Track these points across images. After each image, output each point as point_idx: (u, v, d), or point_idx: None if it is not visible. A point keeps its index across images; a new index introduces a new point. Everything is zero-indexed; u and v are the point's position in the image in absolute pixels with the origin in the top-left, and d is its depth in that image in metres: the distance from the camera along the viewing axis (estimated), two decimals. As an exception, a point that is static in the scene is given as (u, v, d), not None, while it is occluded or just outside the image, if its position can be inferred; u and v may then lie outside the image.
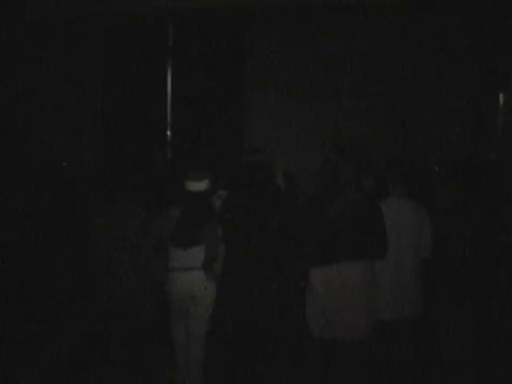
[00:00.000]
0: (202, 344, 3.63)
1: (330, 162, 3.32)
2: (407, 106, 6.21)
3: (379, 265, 3.40)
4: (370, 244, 3.25)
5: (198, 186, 3.54)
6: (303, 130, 6.41)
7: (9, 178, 4.97)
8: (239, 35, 6.77)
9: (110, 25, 7.03)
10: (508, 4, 5.54)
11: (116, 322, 3.42)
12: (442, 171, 4.51)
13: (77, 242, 4.10)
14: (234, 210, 3.66)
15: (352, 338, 3.22)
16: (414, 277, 3.47)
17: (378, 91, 6.25)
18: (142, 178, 4.18)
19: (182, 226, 3.56)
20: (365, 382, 3.31)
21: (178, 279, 3.56)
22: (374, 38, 6.22)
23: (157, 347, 4.01)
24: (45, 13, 6.72)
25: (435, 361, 3.62)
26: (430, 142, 6.14)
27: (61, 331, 4.15)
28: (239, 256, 3.61)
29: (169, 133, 7.10)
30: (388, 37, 6.20)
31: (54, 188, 4.57)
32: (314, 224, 3.28)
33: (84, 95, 7.01)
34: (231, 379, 3.81)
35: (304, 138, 6.35)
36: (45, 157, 6.26)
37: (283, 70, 6.54)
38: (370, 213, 3.26)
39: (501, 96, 5.74)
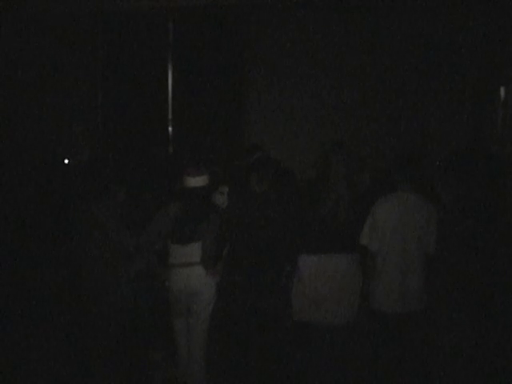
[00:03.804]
0: (203, 341, 3.63)
1: (324, 156, 3.40)
2: (408, 101, 6.20)
3: (384, 258, 3.43)
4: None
5: (197, 181, 3.54)
6: (303, 129, 6.40)
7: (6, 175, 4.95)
8: (239, 32, 6.77)
9: (110, 21, 7.03)
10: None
11: (113, 321, 3.39)
12: (443, 166, 4.48)
13: (66, 241, 4.05)
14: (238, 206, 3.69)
15: (331, 323, 3.38)
16: (417, 271, 3.47)
17: (378, 88, 6.24)
18: (142, 174, 4.15)
19: (181, 221, 3.56)
20: (343, 365, 3.45)
21: (177, 275, 3.56)
22: (374, 35, 6.21)
23: (157, 345, 3.99)
24: (45, 10, 6.72)
25: (434, 354, 3.62)
26: (431, 136, 6.13)
27: (56, 330, 4.14)
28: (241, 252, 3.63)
29: (170, 129, 7.10)
30: (388, 34, 6.19)
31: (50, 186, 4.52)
32: (307, 218, 3.39)
33: (84, 92, 7.01)
34: (233, 375, 3.82)
35: (303, 137, 6.36)
36: (43, 154, 6.24)
37: (284, 66, 6.53)
38: (360, 210, 3.39)
39: (501, 90, 5.70)
